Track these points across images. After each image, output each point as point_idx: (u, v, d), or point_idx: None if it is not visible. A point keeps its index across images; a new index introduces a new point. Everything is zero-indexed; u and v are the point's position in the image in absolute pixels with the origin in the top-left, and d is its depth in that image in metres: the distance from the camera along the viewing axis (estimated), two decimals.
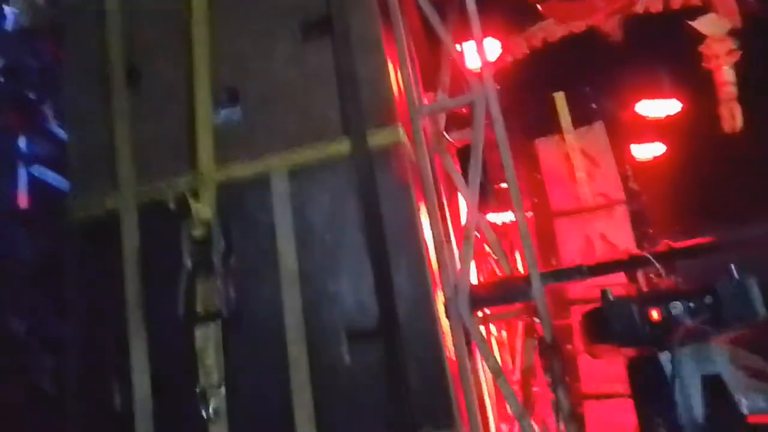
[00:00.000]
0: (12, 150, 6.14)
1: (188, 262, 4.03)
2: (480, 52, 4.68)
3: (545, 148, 7.64)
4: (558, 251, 7.28)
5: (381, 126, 4.22)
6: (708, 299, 3.76)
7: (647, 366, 3.69)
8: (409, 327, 3.86)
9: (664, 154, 8.61)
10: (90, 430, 4.01)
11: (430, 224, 4.34)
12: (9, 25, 5.88)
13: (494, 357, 4.12)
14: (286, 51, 4.48)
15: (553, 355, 4.09)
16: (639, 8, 6.49)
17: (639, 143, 8.46)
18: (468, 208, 4.45)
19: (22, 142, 6.15)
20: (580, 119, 7.55)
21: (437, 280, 4.19)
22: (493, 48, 6.48)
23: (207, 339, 3.91)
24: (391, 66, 4.60)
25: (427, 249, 4.20)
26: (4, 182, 6.13)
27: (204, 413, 3.76)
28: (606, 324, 3.87)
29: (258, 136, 4.36)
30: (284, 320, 3.96)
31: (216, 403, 3.82)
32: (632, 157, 8.23)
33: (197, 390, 3.84)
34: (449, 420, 3.70)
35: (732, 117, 6.61)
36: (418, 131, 4.52)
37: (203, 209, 4.15)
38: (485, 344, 4.14)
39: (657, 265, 4.11)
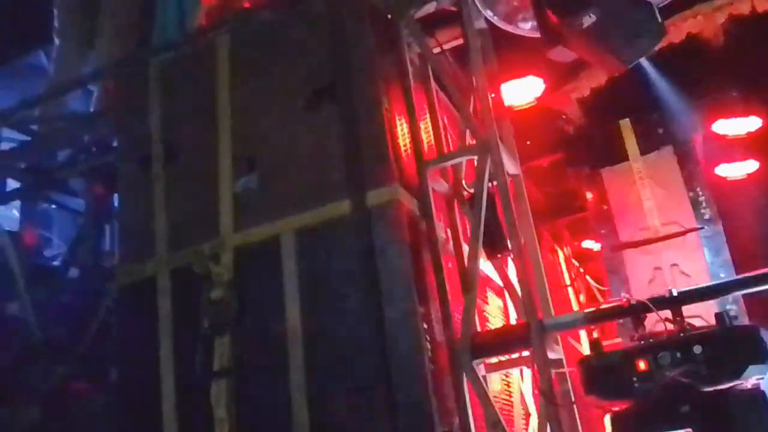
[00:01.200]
0: (104, 212, 6.91)
1: (206, 322, 4.45)
2: (482, 101, 4.77)
3: (612, 177, 7.43)
4: (628, 284, 7.03)
5: (379, 186, 4.44)
6: (697, 349, 3.64)
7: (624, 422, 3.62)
8: (400, 379, 4.03)
9: (757, 171, 8.04)
10: None
11: (435, 275, 4.48)
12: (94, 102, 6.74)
13: (493, 408, 4.15)
14: (296, 118, 4.83)
15: (551, 408, 4.07)
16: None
17: (726, 162, 7.97)
18: (469, 257, 4.54)
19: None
20: (648, 146, 7.28)
21: (436, 330, 4.31)
22: (535, 86, 6.46)
23: (220, 393, 4.29)
24: (404, 122, 4.84)
25: (430, 300, 4.36)
26: (100, 242, 6.97)
27: None
28: (592, 375, 3.85)
29: (270, 200, 4.72)
30: (289, 375, 4.25)
31: None
32: (711, 180, 7.77)
33: None
34: None
35: None
36: (425, 185, 4.69)
37: (221, 272, 4.56)
38: (484, 394, 4.19)
39: (656, 312, 3.99)
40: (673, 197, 7.07)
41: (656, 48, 4.93)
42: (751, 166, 8.06)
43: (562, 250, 9.02)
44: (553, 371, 4.39)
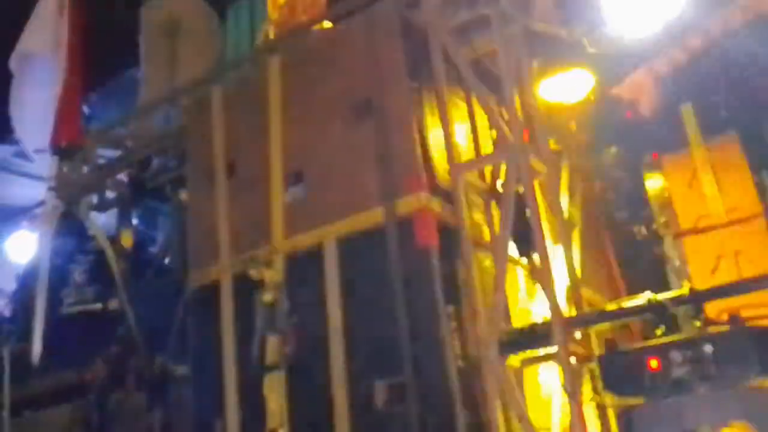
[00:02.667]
0: None
1: (260, 322, 4.96)
2: (510, 105, 4.97)
3: (672, 164, 7.32)
4: (689, 273, 6.95)
5: (408, 194, 4.78)
6: (708, 348, 3.74)
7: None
8: (428, 375, 4.38)
9: None
10: None
11: (465, 275, 4.77)
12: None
13: (518, 402, 4.42)
14: (337, 132, 5.24)
15: (577, 407, 4.26)
16: None
17: None
18: (497, 258, 4.79)
19: None
20: (711, 130, 7.12)
21: (466, 327, 4.62)
22: (584, 80, 6.51)
23: (272, 387, 4.79)
24: (437, 129, 5.13)
25: (461, 299, 4.67)
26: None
27: None
28: (607, 373, 4.03)
29: (315, 210, 5.17)
30: (330, 371, 4.70)
31: None
32: None
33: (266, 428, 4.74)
34: None
35: None
36: (456, 189, 4.98)
37: (273, 276, 5.06)
38: (511, 388, 4.46)
39: (671, 310, 4.11)
40: (737, 182, 6.90)
41: None
42: None
43: (637, 235, 8.94)
44: (585, 366, 4.64)
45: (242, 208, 5.55)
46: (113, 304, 7.41)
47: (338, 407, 4.60)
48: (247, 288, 5.20)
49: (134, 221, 8.29)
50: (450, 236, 4.85)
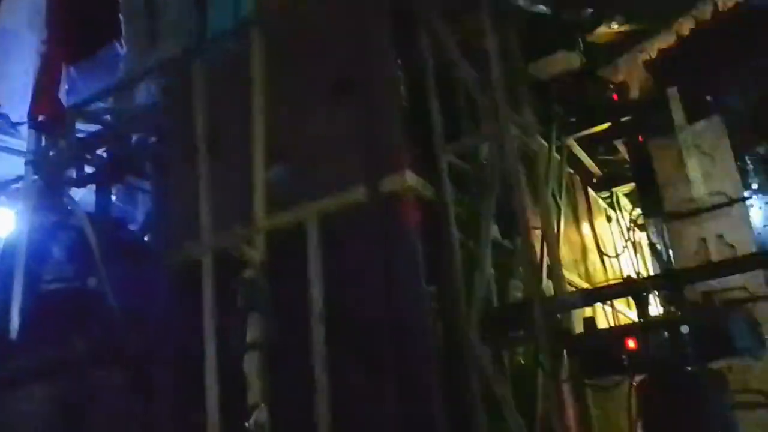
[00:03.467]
0: None
1: (241, 300, 4.91)
2: (496, 87, 4.93)
3: (659, 147, 7.32)
4: (672, 256, 6.98)
5: (391, 173, 4.73)
6: (684, 329, 3.76)
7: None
8: (406, 358, 4.35)
9: None
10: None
11: (448, 256, 4.74)
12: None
13: (499, 383, 4.41)
14: (321, 110, 5.17)
15: (553, 386, 4.27)
16: None
17: None
18: (480, 238, 4.77)
19: None
20: (696, 114, 7.12)
21: (447, 308, 4.59)
22: (567, 61, 6.45)
23: (253, 365, 4.75)
24: (422, 109, 5.08)
25: (442, 280, 4.64)
26: None
27: (249, 426, 4.60)
28: (585, 353, 4.04)
29: (298, 188, 5.10)
30: (312, 348, 4.67)
31: (259, 418, 4.65)
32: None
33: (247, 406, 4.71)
34: None
35: None
36: (440, 170, 4.94)
37: (254, 254, 5.00)
38: (490, 369, 4.45)
39: (654, 291, 4.11)
40: (721, 167, 6.92)
41: None
42: None
43: (619, 218, 8.98)
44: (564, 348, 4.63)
45: (224, 186, 5.48)
46: (93, 281, 7.33)
47: (318, 387, 4.57)
48: (228, 266, 5.14)
49: (114, 198, 8.18)
50: (433, 216, 4.82)
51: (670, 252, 7.10)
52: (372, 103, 4.93)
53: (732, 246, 6.75)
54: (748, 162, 6.84)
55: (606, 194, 8.85)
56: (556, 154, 7.16)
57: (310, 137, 5.18)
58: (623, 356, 3.85)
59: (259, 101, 5.43)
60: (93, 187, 7.86)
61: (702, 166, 7.04)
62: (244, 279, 4.93)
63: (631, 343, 3.84)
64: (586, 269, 7.52)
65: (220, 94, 5.72)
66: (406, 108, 4.96)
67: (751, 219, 6.73)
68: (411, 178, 4.70)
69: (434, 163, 4.95)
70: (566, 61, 6.52)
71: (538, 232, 5.13)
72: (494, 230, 5.10)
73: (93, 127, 7.80)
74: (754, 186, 6.74)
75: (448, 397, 4.34)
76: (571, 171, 7.87)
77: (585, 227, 7.99)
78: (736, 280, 5.90)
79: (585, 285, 6.31)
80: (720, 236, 6.85)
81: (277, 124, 5.35)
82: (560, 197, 7.01)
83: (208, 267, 5.31)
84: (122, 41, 7.74)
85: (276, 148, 5.30)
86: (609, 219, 8.92)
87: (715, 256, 6.66)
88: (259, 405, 4.67)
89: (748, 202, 6.78)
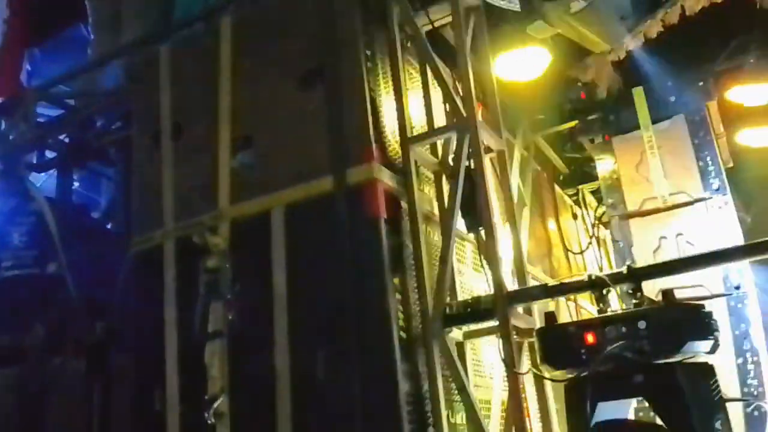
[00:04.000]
0: None
1: (203, 288, 4.87)
2: (464, 79, 4.94)
3: (622, 145, 7.44)
4: (633, 253, 7.11)
5: (359, 163, 4.72)
6: (641, 324, 3.81)
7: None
8: (369, 348, 4.36)
9: None
10: (135, 424, 5.04)
11: (413, 248, 4.76)
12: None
13: (459, 374, 4.44)
14: (288, 98, 5.13)
15: (515, 380, 4.31)
16: None
17: (747, 129, 7.87)
18: (445, 232, 4.79)
19: None
20: (660, 115, 7.25)
21: (411, 299, 4.61)
22: (540, 57, 6.51)
23: (213, 354, 4.72)
24: (391, 99, 5.07)
25: (407, 271, 4.66)
26: None
27: (208, 418, 4.57)
28: (545, 346, 4.08)
29: (264, 176, 5.07)
30: (274, 340, 4.65)
31: (220, 407, 4.61)
32: (730, 149, 7.70)
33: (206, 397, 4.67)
34: (398, 427, 4.16)
35: None
36: (408, 161, 4.94)
37: (218, 242, 4.96)
38: (452, 361, 4.48)
39: (612, 287, 4.17)
40: (682, 166, 7.06)
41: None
42: None
43: (584, 215, 9.10)
44: (526, 341, 4.69)
45: (188, 172, 5.42)
46: (53, 268, 7.20)
47: (280, 376, 4.55)
48: (190, 254, 5.09)
49: (76, 183, 8.04)
50: (399, 209, 4.83)
51: (632, 249, 7.24)
52: (340, 93, 4.91)
53: (691, 244, 6.92)
54: (709, 162, 6.98)
55: (572, 191, 8.97)
56: (523, 151, 7.24)
57: (276, 125, 5.14)
58: (582, 350, 3.89)
59: (225, 88, 5.38)
60: (54, 171, 7.73)
61: (664, 165, 7.19)
62: (207, 267, 4.89)
63: (589, 338, 3.88)
64: (551, 265, 7.63)
65: (186, 80, 5.65)
66: (374, 98, 4.94)
67: (710, 218, 6.89)
68: (378, 170, 4.70)
69: (402, 155, 4.94)
70: (537, 58, 6.58)
71: (503, 227, 5.19)
72: (459, 223, 5.11)
73: (55, 111, 7.65)
74: (715, 186, 6.88)
75: (410, 389, 4.36)
76: (538, 167, 7.96)
77: (551, 223, 8.09)
78: (694, 277, 6.05)
79: (549, 280, 6.40)
80: (680, 235, 7.00)
81: (243, 111, 5.30)
82: (527, 193, 7.09)
83: (171, 254, 5.25)
84: (90, 26, 7.59)
85: (242, 135, 5.25)
86: (575, 216, 9.05)
87: (674, 254, 6.81)
88: (219, 394, 4.64)
89: (707, 202, 6.93)
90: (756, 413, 6.00)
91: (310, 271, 4.71)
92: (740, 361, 6.25)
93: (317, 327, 4.59)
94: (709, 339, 3.76)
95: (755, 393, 6.00)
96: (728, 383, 6.17)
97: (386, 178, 4.76)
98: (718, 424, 3.61)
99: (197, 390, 4.76)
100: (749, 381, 6.08)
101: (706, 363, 3.84)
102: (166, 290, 5.17)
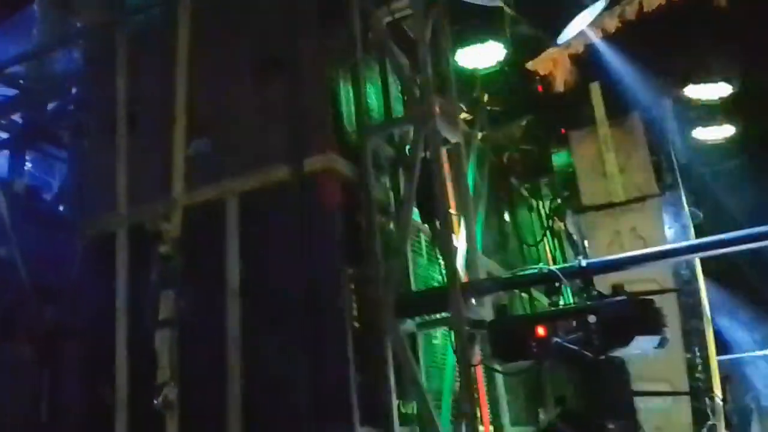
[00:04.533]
0: None
1: (154, 276, 4.81)
2: (422, 71, 4.94)
3: (579, 140, 7.53)
4: (587, 247, 7.23)
5: (315, 153, 4.70)
6: (591, 318, 3.87)
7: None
8: (321, 338, 4.37)
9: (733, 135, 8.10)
10: (84, 412, 4.97)
11: (368, 238, 4.76)
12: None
13: (411, 364, 4.48)
14: (246, 86, 5.08)
15: (466, 371, 4.35)
16: None
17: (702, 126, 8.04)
18: (399, 222, 4.81)
19: None
20: (616, 110, 7.35)
21: (366, 289, 4.62)
22: (497, 51, 6.53)
23: (163, 342, 4.67)
24: (349, 90, 5.06)
25: (362, 261, 4.67)
26: None
27: (156, 404, 4.52)
28: (497, 338, 4.13)
29: (219, 164, 5.01)
30: (226, 326, 4.62)
31: (168, 395, 4.57)
32: (685, 145, 7.86)
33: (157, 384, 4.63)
34: (348, 417, 4.18)
35: None
36: (365, 152, 4.93)
37: (170, 229, 4.90)
38: (404, 352, 4.51)
39: (564, 280, 4.23)
40: (637, 162, 7.18)
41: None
42: (727, 130, 8.14)
43: (540, 207, 9.19)
44: (477, 333, 4.73)
45: (142, 158, 5.33)
46: (2, 251, 7.03)
47: (231, 365, 4.54)
48: (143, 241, 5.02)
49: (28, 165, 7.84)
50: (355, 199, 4.83)
51: (585, 242, 7.36)
52: (298, 82, 4.88)
53: (643, 239, 7.06)
54: (663, 158, 7.11)
55: (528, 184, 9.05)
56: (480, 143, 7.27)
57: (233, 113, 5.09)
58: (533, 343, 3.95)
59: (182, 74, 5.29)
60: (6, 152, 7.53)
61: (619, 160, 7.31)
62: (159, 254, 4.83)
63: (540, 330, 3.94)
64: (506, 257, 7.71)
65: (142, 65, 5.55)
66: (332, 88, 4.92)
67: (662, 214, 7.03)
68: (334, 160, 4.69)
69: (359, 146, 4.93)
70: (494, 51, 6.62)
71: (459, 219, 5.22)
72: (415, 214, 5.14)
73: (10, 91, 7.44)
74: (668, 182, 7.02)
75: (361, 379, 4.38)
76: (495, 160, 8.01)
77: (506, 215, 8.16)
78: (646, 272, 6.17)
79: (504, 272, 6.46)
80: (633, 229, 7.14)
81: (200, 98, 5.23)
82: (483, 185, 7.13)
83: (123, 240, 5.18)
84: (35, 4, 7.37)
85: (198, 122, 5.18)
86: (530, 208, 9.13)
87: (627, 248, 6.93)
88: (168, 382, 4.60)
89: (660, 198, 7.08)
90: None
91: (264, 260, 4.70)
92: (689, 355, 6.42)
93: (270, 316, 4.58)
94: (657, 334, 3.85)
95: (702, 387, 6.16)
96: (677, 377, 6.36)
97: (343, 168, 4.76)
98: None
99: (147, 378, 4.71)
100: (697, 375, 6.24)
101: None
102: (117, 276, 5.10)
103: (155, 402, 4.54)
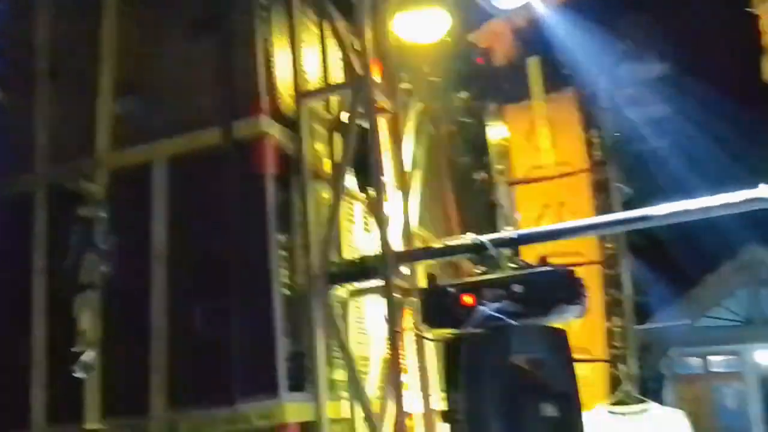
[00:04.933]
0: None
1: (75, 239, 4.62)
2: (360, 37, 4.86)
3: (514, 114, 7.61)
4: (518, 219, 7.34)
5: (248, 117, 4.58)
6: (517, 288, 3.91)
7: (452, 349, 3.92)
8: (250, 304, 4.30)
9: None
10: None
11: (301, 205, 4.69)
12: None
13: (339, 332, 4.47)
14: (177, 45, 4.89)
15: (395, 338, 4.37)
16: None
17: (635, 106, 8.23)
18: (333, 189, 4.75)
19: None
20: (552, 85, 7.43)
21: (297, 257, 4.57)
22: (441, 20, 6.47)
23: (83, 306, 4.51)
24: (286, 54, 4.92)
25: (294, 229, 4.60)
26: None
27: (75, 370, 4.38)
28: (426, 306, 4.13)
29: (148, 125, 4.82)
30: (150, 293, 4.49)
31: (86, 359, 4.42)
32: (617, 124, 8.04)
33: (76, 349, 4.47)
34: (275, 383, 4.15)
35: None
36: (300, 117, 4.83)
37: (93, 191, 4.70)
38: (332, 319, 4.49)
39: (492, 250, 4.27)
40: (569, 138, 7.30)
41: None
42: (660, 110, 8.36)
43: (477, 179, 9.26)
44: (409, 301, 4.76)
45: (65, 115, 5.08)
46: None
47: (156, 330, 4.43)
48: (64, 201, 4.80)
49: None
50: (288, 164, 4.74)
51: (516, 214, 7.47)
52: (230, 42, 4.72)
53: (571, 213, 7.21)
54: (595, 134, 7.25)
55: (465, 156, 9.09)
56: (419, 113, 7.24)
57: (164, 73, 4.90)
58: (460, 311, 3.97)
59: (109, 28, 5.06)
60: None
61: (553, 135, 7.41)
62: (81, 216, 4.63)
63: (467, 299, 3.97)
64: (444, 228, 7.74)
65: (66, 15, 5.25)
66: (267, 50, 4.78)
67: (591, 189, 7.19)
68: (268, 124, 4.58)
69: (295, 110, 4.83)
70: (436, 20, 6.56)
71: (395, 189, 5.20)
72: (351, 183, 5.10)
73: None
74: (599, 158, 7.16)
75: (290, 345, 4.35)
76: (434, 131, 8.00)
77: (445, 186, 8.18)
78: (572, 244, 6.32)
79: (439, 242, 6.49)
80: (562, 203, 7.28)
81: (128, 54, 5.01)
82: (420, 156, 7.12)
83: (42, 200, 4.95)
84: None
85: (126, 79, 4.97)
86: (467, 180, 9.19)
87: (555, 221, 7.07)
88: (88, 348, 4.45)
89: (590, 173, 7.23)
90: None
91: (193, 224, 4.57)
92: (608, 324, 6.64)
93: (197, 282, 4.47)
94: (578, 304, 3.92)
95: (619, 355, 6.40)
96: (596, 345, 6.58)
97: (276, 133, 4.65)
98: None
99: (65, 343, 4.54)
100: (614, 343, 6.47)
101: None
102: (35, 238, 4.88)
103: (73, 367, 4.39)
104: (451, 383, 3.90)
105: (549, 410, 3.46)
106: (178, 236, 4.57)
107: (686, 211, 4.20)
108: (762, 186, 3.80)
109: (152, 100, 4.87)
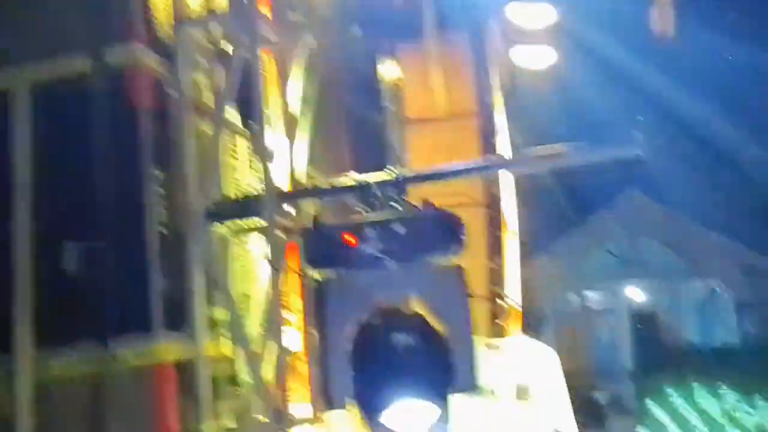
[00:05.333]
0: None
1: None
2: None
3: (407, 52, 7.53)
4: (407, 160, 7.35)
5: (121, 43, 4.29)
6: (399, 228, 3.94)
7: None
8: (124, 242, 4.12)
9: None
10: None
11: (179, 139, 4.49)
12: None
13: (215, 269, 4.37)
14: None
15: (277, 277, 4.32)
16: None
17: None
18: (214, 124, 4.58)
19: None
20: (446, 26, 7.37)
21: (177, 194, 4.40)
22: None
23: None
24: None
25: (172, 164, 4.40)
26: None
27: None
28: (309, 246, 4.10)
29: (6, 48, 4.43)
30: (14, 230, 4.21)
31: None
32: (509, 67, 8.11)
33: None
34: (149, 322, 4.03)
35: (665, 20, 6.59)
36: (181, 45, 4.58)
37: None
38: (209, 257, 4.38)
39: (377, 190, 4.26)
40: (462, 80, 7.32)
41: None
42: (549, 56, 8.45)
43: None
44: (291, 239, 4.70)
45: None
46: None
47: (21, 269, 4.17)
48: None
49: None
50: (166, 96, 4.50)
51: (406, 155, 7.48)
52: None
53: (459, 155, 7.29)
54: (487, 79, 7.29)
55: (357, 95, 8.96)
56: (312, 52, 7.03)
57: None
58: (342, 251, 3.96)
59: None
60: None
61: (444, 76, 7.40)
62: None
63: (349, 239, 3.96)
64: (335, 168, 7.63)
65: None
66: None
67: (480, 133, 7.27)
68: (142, 51, 4.31)
69: (174, 38, 4.56)
70: None
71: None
72: (236, 118, 4.92)
73: None
74: (490, 102, 7.23)
75: (167, 284, 4.22)
76: (327, 69, 7.81)
77: (338, 126, 8.05)
78: (458, 185, 6.41)
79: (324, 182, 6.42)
80: (451, 146, 7.33)
81: None
82: (312, 93, 6.94)
83: None
84: None
85: None
86: (359, 119, 9.10)
87: (443, 162, 7.14)
88: None
89: (479, 117, 7.29)
90: None
91: (61, 158, 4.29)
92: (492, 264, 6.84)
93: (67, 219, 4.23)
94: (456, 243, 4.00)
95: (498, 292, 6.64)
96: (479, 283, 6.78)
97: (152, 62, 4.39)
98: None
99: None
100: (495, 281, 6.71)
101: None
102: None
103: None
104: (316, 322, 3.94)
105: (403, 339, 3.55)
106: (46, 171, 4.27)
107: (566, 156, 4.34)
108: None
109: (14, 23, 4.47)
